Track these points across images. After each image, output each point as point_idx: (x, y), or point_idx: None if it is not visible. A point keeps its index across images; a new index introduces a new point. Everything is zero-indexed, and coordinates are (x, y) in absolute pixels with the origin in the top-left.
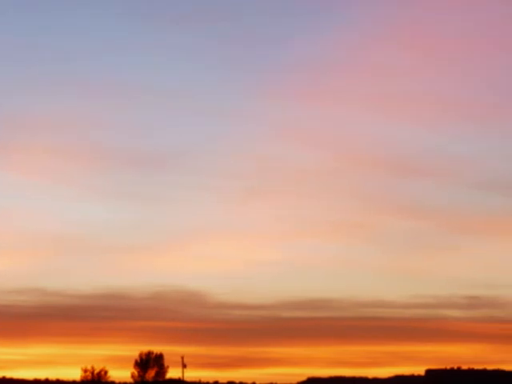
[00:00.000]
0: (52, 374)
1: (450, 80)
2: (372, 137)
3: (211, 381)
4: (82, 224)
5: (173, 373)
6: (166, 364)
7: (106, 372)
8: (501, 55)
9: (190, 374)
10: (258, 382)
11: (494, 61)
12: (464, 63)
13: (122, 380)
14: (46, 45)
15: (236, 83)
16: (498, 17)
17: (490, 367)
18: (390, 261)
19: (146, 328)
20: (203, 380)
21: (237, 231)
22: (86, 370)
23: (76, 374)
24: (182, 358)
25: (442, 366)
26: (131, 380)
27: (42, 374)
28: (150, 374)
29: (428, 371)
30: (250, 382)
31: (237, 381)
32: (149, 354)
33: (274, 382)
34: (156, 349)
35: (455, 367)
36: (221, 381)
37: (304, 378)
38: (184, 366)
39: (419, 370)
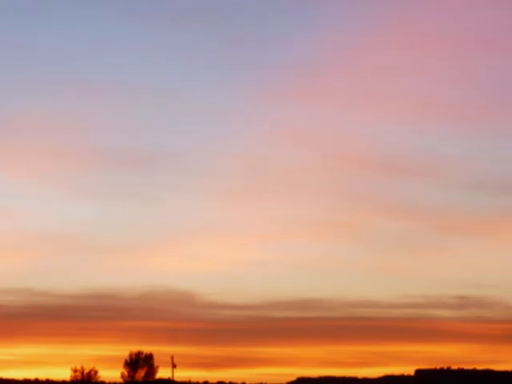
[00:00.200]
0: (41, 374)
1: (439, 80)
2: (360, 137)
3: (201, 381)
4: (71, 224)
5: (163, 373)
6: (155, 364)
7: (95, 372)
8: (491, 56)
9: (179, 374)
10: (247, 381)
11: (484, 62)
12: (453, 64)
13: (112, 380)
14: (46, 45)
15: (225, 83)
16: (488, 18)
17: (479, 367)
18: (379, 261)
19: (135, 328)
20: (193, 380)
21: (225, 231)
22: (75, 370)
23: (66, 374)
24: (172, 358)
25: (432, 366)
26: (121, 380)
27: (31, 374)
28: (140, 373)
29: (418, 371)
30: (239, 382)
31: (226, 381)
32: (139, 353)
33: (263, 381)
34: (146, 349)
35: (445, 367)
36: (210, 381)
37: (294, 378)
38: (174, 366)
39: (409, 370)
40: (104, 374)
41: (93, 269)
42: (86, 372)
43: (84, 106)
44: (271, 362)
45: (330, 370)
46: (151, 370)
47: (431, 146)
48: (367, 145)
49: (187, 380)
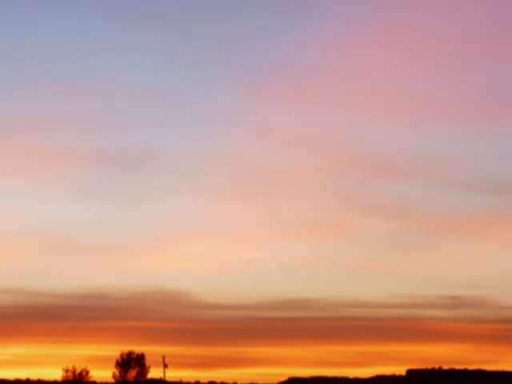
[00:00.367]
0: (33, 374)
1: (427, 80)
2: (350, 137)
3: (192, 381)
4: (62, 224)
5: (154, 373)
6: (147, 364)
7: (87, 372)
8: (480, 56)
9: (171, 374)
10: (239, 381)
11: (473, 61)
12: (441, 64)
13: (104, 380)
14: (46, 45)
15: (213, 83)
16: (478, 18)
17: (471, 367)
18: (369, 261)
19: (127, 328)
20: (184, 380)
21: (216, 231)
22: (67, 370)
23: (57, 374)
24: (164, 358)
25: (423, 366)
26: (112, 380)
27: (22, 374)
28: (132, 373)
29: (409, 371)
30: (231, 381)
31: (218, 381)
32: (130, 353)
33: (255, 381)
34: (137, 349)
35: (436, 367)
36: (202, 381)
37: (285, 378)
38: (165, 366)
39: (400, 370)
40: (95, 374)
41: (84, 269)
42: (77, 372)
43: (84, 106)
44: (262, 362)
45: (322, 370)
46: (143, 370)
47: (421, 146)
48: (356, 145)
49: (179, 380)
